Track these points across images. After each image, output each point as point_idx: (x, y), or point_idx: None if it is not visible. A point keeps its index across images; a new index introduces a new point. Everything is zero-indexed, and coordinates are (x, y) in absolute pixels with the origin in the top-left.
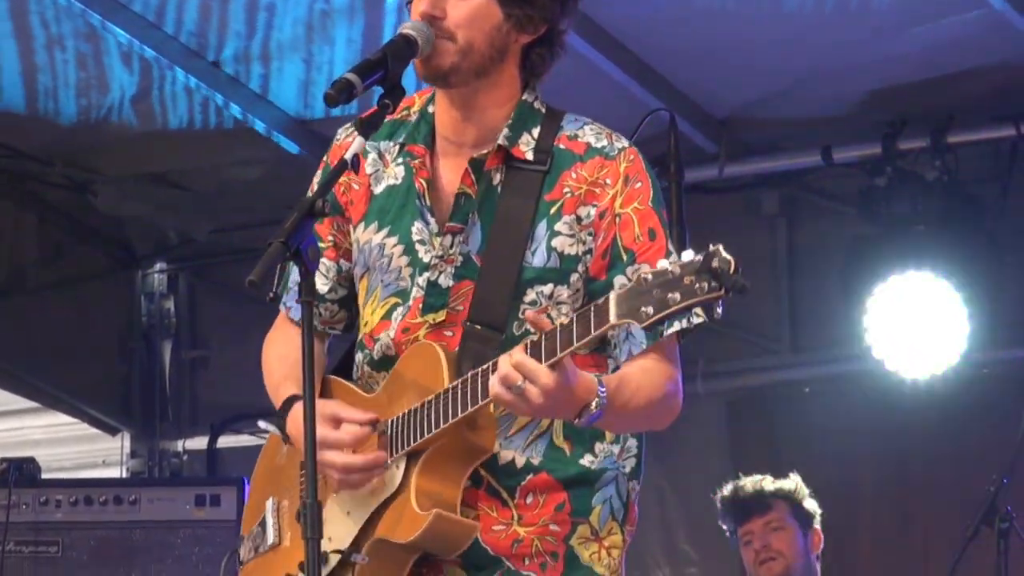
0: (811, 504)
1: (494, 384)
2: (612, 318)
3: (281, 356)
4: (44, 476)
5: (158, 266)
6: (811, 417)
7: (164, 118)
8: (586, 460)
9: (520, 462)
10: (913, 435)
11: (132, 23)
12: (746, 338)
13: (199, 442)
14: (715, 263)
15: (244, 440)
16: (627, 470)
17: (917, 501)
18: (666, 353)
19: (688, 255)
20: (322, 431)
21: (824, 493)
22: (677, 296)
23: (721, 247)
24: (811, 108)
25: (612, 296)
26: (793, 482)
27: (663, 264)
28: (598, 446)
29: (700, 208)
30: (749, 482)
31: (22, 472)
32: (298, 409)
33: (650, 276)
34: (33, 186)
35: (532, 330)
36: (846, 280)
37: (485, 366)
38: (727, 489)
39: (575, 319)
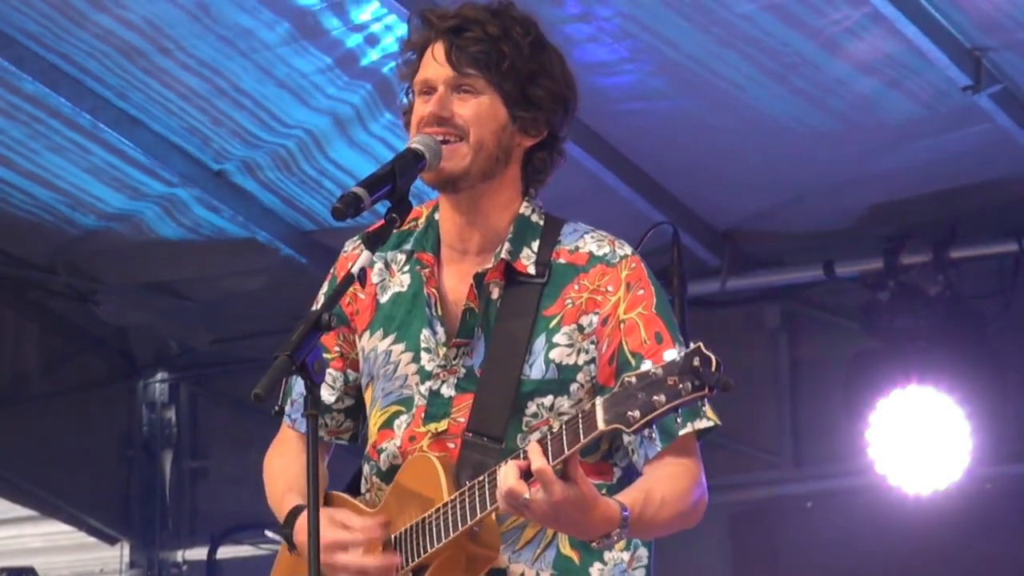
0: None
1: (501, 500)
2: (600, 424)
3: (283, 469)
4: None
5: (159, 376)
6: (813, 532)
7: (166, 228)
8: (595, 569)
9: (530, 575)
10: (916, 551)
11: (140, 137)
12: (748, 452)
13: (199, 552)
14: (696, 362)
15: (244, 551)
16: None
17: None
18: (686, 451)
19: (671, 354)
20: (334, 534)
21: None
22: (663, 398)
23: (702, 345)
24: (813, 222)
25: (599, 402)
26: None
27: (646, 366)
28: (608, 554)
29: (702, 322)
30: None
31: None
32: (304, 519)
33: (634, 379)
34: (35, 294)
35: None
36: (848, 395)
37: (482, 477)
38: None
39: (563, 428)
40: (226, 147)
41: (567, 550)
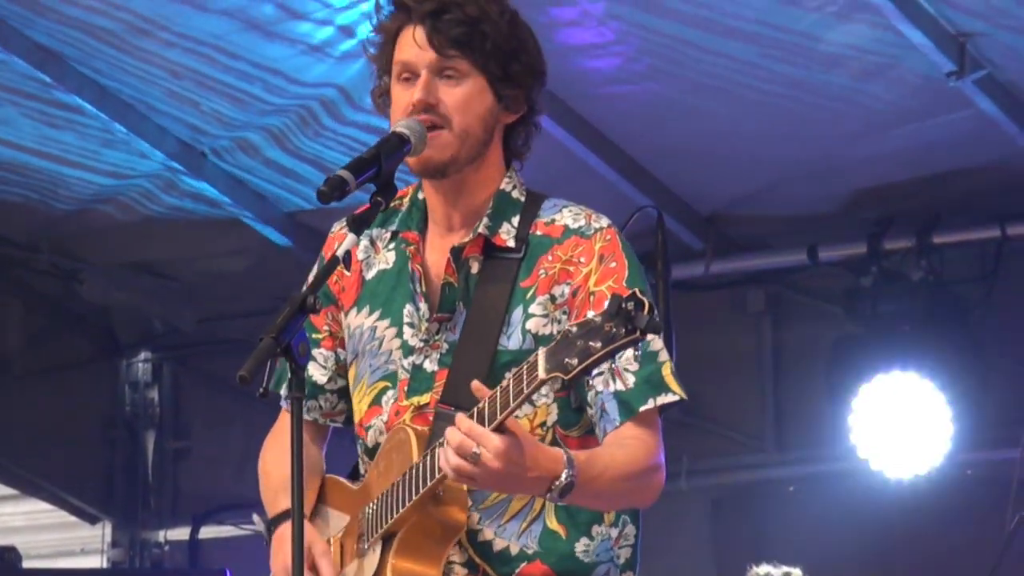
0: None
1: (449, 456)
2: (541, 372)
3: (278, 459)
4: (24, 565)
5: (143, 355)
6: (795, 516)
7: (151, 208)
8: (581, 544)
9: (515, 550)
10: (897, 535)
11: (124, 114)
12: (731, 436)
13: (181, 532)
14: (629, 306)
15: (226, 531)
16: (621, 561)
17: None
18: (644, 426)
19: (608, 303)
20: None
21: None
22: (598, 344)
23: (637, 290)
24: (797, 206)
25: (541, 352)
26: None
27: (588, 315)
28: (595, 528)
29: (686, 305)
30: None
31: (3, 561)
32: (283, 532)
33: (575, 328)
34: (19, 273)
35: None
36: (831, 379)
37: (442, 439)
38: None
39: (511, 380)
40: (211, 128)
41: (554, 524)
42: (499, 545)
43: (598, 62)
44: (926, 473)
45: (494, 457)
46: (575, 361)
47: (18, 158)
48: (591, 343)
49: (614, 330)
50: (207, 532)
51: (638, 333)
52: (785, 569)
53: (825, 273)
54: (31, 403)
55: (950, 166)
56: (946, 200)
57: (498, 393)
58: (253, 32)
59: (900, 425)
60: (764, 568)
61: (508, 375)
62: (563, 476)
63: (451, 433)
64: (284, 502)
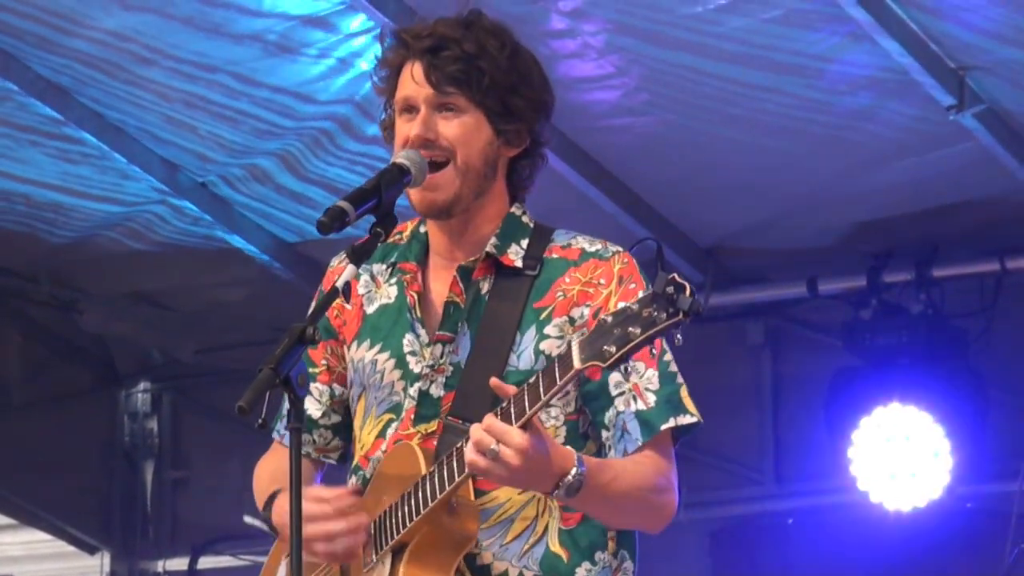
0: None
1: (469, 452)
2: (576, 363)
3: (273, 473)
4: None
5: (142, 385)
6: (794, 548)
7: (151, 237)
8: (583, 569)
9: (513, 573)
10: (897, 568)
11: (123, 143)
12: (730, 468)
13: (179, 563)
14: (670, 289)
15: (225, 561)
16: None
17: None
18: (659, 450)
19: (641, 292)
20: (307, 506)
21: None
22: (637, 330)
23: (675, 275)
24: (797, 239)
25: (575, 342)
26: None
27: (622, 304)
28: (598, 555)
29: (685, 337)
30: None
31: None
32: (283, 500)
33: (610, 318)
34: (18, 303)
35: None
36: (830, 412)
37: (459, 444)
38: None
39: (540, 375)
40: (211, 158)
41: (556, 547)
42: (498, 569)
43: (599, 94)
44: (925, 505)
45: (515, 454)
46: (613, 348)
47: (18, 189)
48: (630, 329)
49: (655, 314)
50: (206, 562)
51: (681, 315)
52: None
53: (824, 306)
54: (30, 433)
55: (950, 199)
56: (945, 233)
57: (525, 390)
58: (245, 60)
59: (899, 458)
60: None
61: (537, 373)
62: (572, 473)
63: (474, 429)
64: (274, 487)
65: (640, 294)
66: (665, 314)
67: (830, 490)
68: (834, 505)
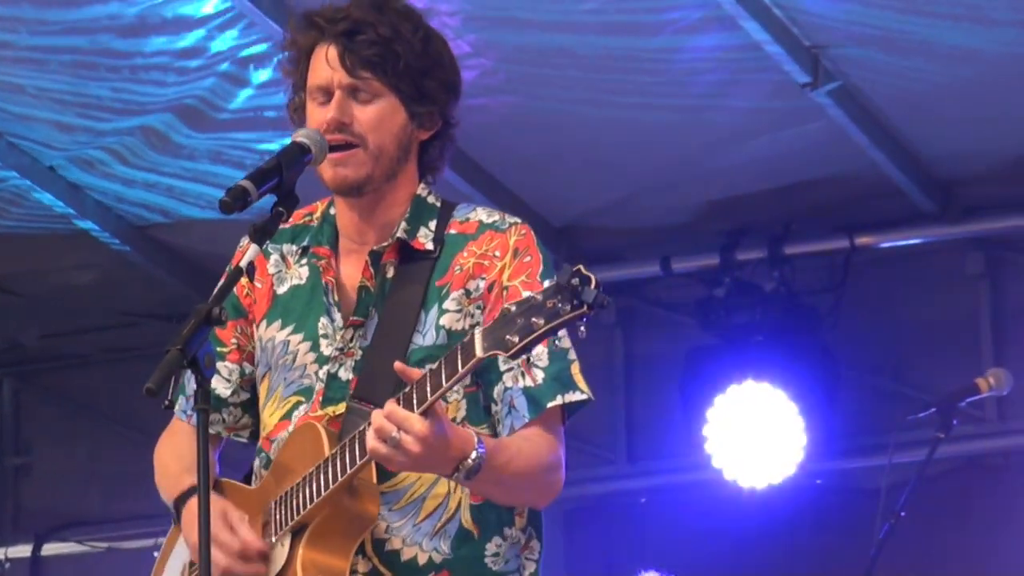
0: None
1: (370, 439)
2: (478, 351)
3: (178, 455)
4: None
5: None
6: (649, 527)
7: None
8: (493, 545)
9: (423, 559)
10: (750, 544)
11: None
12: (582, 447)
13: (22, 550)
14: (575, 281)
15: (69, 548)
16: (526, 573)
17: None
18: (549, 427)
19: (550, 280)
20: (218, 530)
21: None
22: (541, 320)
23: (581, 266)
24: (650, 218)
25: (477, 331)
26: None
27: (527, 293)
28: (507, 530)
29: None
30: None
31: None
32: (193, 506)
33: (514, 307)
34: None
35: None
36: (685, 390)
37: (360, 428)
38: None
39: (443, 362)
40: (60, 140)
41: (468, 523)
42: (407, 554)
43: None
44: (779, 483)
45: (416, 441)
46: (516, 338)
47: None
48: (534, 319)
49: (559, 306)
50: (50, 549)
51: (585, 308)
52: None
53: (678, 284)
54: None
55: (802, 177)
56: (798, 211)
57: (427, 377)
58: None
59: (754, 435)
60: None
61: (440, 360)
62: (472, 456)
63: (375, 416)
64: (188, 481)
65: (544, 282)
66: (569, 306)
67: (684, 468)
68: (689, 483)
